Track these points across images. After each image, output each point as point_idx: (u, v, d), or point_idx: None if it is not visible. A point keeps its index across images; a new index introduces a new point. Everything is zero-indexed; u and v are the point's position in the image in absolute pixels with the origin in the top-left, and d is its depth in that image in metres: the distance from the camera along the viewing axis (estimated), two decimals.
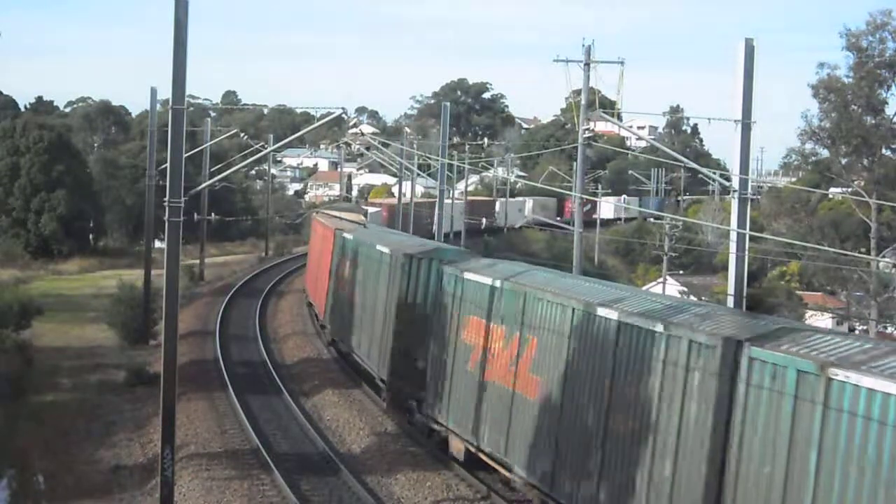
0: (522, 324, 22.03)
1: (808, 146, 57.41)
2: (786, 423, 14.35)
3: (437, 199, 49.70)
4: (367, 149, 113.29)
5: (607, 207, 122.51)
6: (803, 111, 57.24)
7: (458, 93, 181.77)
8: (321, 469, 26.03)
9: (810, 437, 13.86)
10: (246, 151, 77.76)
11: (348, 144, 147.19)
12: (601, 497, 18.36)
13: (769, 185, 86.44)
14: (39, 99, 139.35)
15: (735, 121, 25.21)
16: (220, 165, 66.57)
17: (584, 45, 35.58)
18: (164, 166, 30.68)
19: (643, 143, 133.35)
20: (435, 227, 50.03)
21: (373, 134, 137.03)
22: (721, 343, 15.70)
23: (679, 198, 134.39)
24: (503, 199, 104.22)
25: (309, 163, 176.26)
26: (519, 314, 22.22)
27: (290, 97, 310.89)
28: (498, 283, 23.49)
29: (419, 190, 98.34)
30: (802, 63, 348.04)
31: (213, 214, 73.89)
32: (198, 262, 69.39)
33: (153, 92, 48.49)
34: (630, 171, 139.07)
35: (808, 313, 60.81)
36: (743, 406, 15.19)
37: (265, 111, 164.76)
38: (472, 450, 24.07)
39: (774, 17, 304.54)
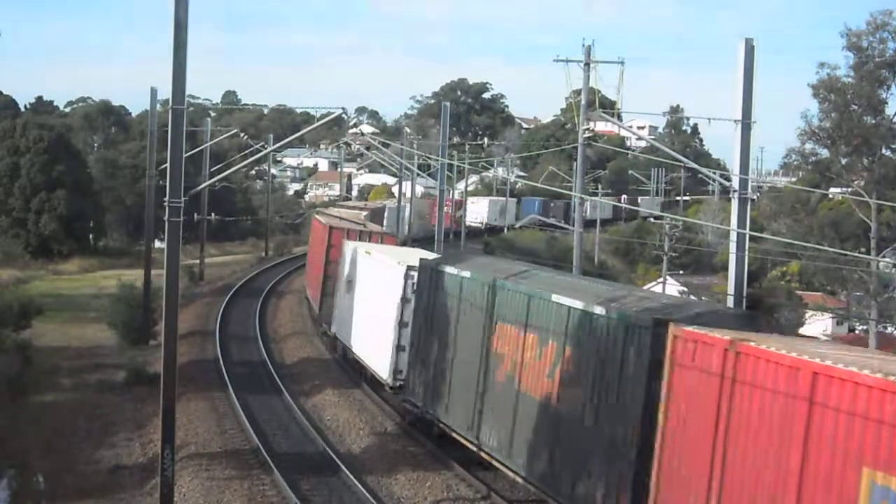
0: None
1: (808, 146, 57.13)
2: None
3: (438, 200, 49.58)
4: (367, 149, 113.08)
5: (473, 210, 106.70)
6: (803, 111, 57.04)
7: (458, 93, 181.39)
8: (321, 469, 26.03)
9: None
10: (246, 151, 77.78)
11: (348, 144, 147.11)
12: None
13: (769, 185, 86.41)
14: (39, 99, 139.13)
15: (735, 121, 25.25)
16: (220, 165, 66.54)
17: (584, 45, 35.62)
18: (164, 166, 30.65)
19: (643, 143, 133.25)
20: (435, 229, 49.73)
21: (373, 134, 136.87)
22: None
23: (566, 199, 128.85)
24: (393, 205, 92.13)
25: (309, 163, 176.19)
26: None
27: (290, 97, 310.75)
28: None
29: (419, 190, 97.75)
30: (802, 63, 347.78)
31: (213, 214, 73.88)
32: (198, 262, 69.35)
33: (153, 92, 48.45)
34: (630, 171, 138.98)
35: (809, 313, 60.72)
36: None
37: (265, 111, 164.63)
38: None
39: (774, 17, 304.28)
